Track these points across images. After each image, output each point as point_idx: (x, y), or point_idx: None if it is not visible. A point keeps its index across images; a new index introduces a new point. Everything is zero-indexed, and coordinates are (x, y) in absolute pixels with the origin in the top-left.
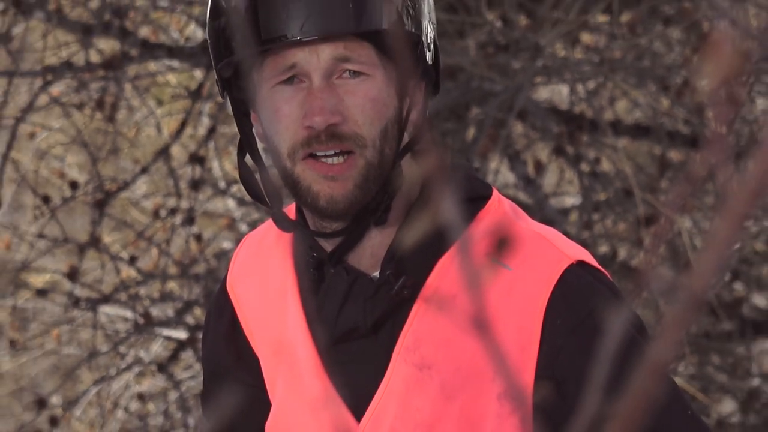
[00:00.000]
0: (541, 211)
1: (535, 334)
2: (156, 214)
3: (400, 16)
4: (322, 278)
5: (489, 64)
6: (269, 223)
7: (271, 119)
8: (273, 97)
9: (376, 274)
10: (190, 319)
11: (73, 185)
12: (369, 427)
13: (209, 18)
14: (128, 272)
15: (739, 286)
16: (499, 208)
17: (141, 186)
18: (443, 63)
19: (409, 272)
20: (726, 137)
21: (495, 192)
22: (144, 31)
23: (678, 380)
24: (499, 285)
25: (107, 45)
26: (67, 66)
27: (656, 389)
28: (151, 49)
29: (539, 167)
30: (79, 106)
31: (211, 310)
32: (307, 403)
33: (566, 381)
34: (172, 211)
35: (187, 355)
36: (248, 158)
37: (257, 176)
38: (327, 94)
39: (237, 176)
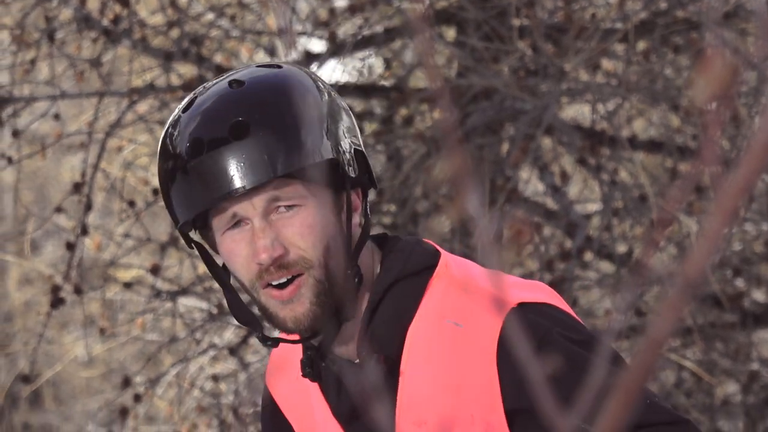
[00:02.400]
0: (567, 215)
1: (493, 376)
2: None
3: (315, 150)
4: (318, 372)
5: (520, 86)
6: None
7: (228, 260)
8: (225, 242)
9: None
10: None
11: (156, 192)
12: None
13: (160, 180)
14: (203, 268)
15: (740, 282)
16: (446, 272)
17: None
18: (479, 86)
19: (382, 351)
20: (717, 143)
21: (442, 257)
22: (218, 57)
23: (689, 364)
24: (457, 342)
25: (186, 69)
26: (151, 87)
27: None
28: (224, 73)
29: (565, 177)
30: (161, 123)
31: (262, 396)
32: None
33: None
34: None
35: (255, 341)
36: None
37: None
38: (267, 232)
39: None
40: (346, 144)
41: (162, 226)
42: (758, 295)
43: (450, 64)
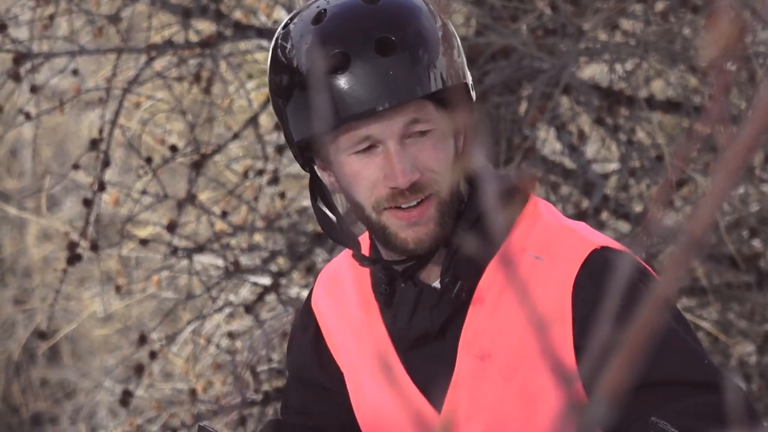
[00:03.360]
0: (584, 175)
1: (567, 311)
2: (245, 175)
3: (452, 73)
4: (393, 293)
5: (538, 45)
6: (342, 255)
7: (351, 182)
8: (351, 164)
9: (438, 283)
10: (273, 267)
11: (173, 148)
12: (451, 406)
13: (277, 93)
14: (220, 225)
15: (757, 243)
16: (535, 210)
17: (232, 150)
18: (497, 45)
19: (463, 278)
20: (724, 101)
21: (532, 197)
22: (237, 14)
23: (705, 324)
24: (535, 275)
25: (204, 26)
26: (169, 44)
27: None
28: (242, 30)
29: (582, 137)
30: (179, 80)
31: (297, 325)
32: (396, 402)
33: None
34: (260, 172)
35: (271, 299)
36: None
37: (333, 220)
38: (404, 156)
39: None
40: (466, 68)
41: (179, 183)
42: None
43: (468, 23)
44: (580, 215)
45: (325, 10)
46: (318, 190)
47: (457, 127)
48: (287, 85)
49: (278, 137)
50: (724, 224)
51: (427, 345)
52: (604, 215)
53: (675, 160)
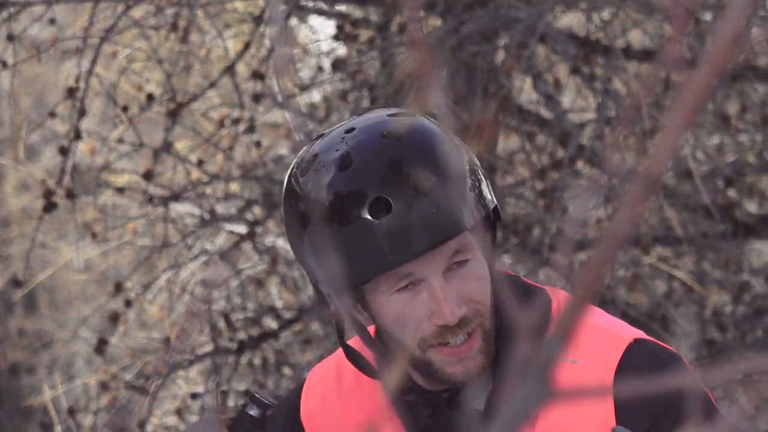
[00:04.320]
0: (560, 124)
1: (610, 412)
2: (222, 123)
3: (483, 198)
4: (435, 420)
5: None
6: (336, 360)
7: (396, 321)
8: (394, 304)
9: (480, 404)
10: (249, 216)
11: (150, 97)
12: None
13: (314, 245)
14: (196, 174)
15: (732, 193)
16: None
17: (209, 98)
18: None
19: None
20: (682, 43)
21: (554, 300)
22: None
23: (680, 274)
24: (571, 379)
25: None
26: None
27: (614, 262)
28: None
29: (558, 86)
30: (156, 29)
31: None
32: None
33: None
34: (236, 121)
35: (247, 247)
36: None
37: (366, 352)
38: (449, 292)
39: (295, 91)
40: (490, 192)
41: (156, 132)
42: (750, 206)
43: None
44: (555, 165)
45: (347, 153)
46: (362, 335)
47: (490, 252)
48: (319, 234)
49: (254, 86)
50: (700, 174)
51: None
52: (580, 164)
53: (631, 103)
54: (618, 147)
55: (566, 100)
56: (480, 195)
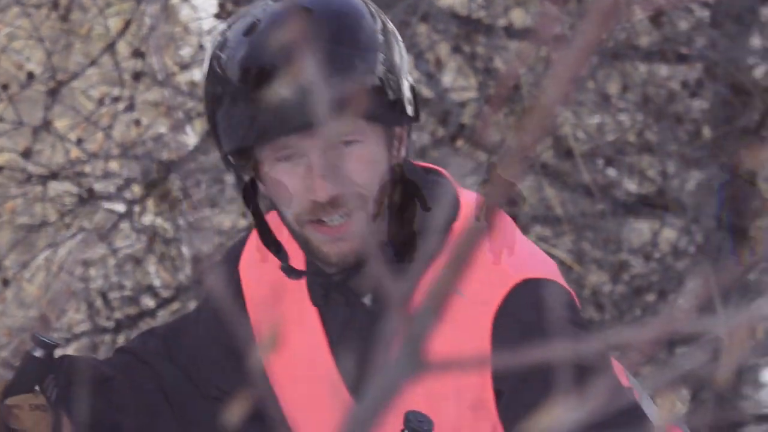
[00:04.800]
0: (441, 103)
1: (487, 350)
2: (101, 102)
3: (390, 84)
4: (329, 302)
5: None
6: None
7: (275, 190)
8: (275, 172)
9: (369, 299)
10: (128, 194)
11: (30, 75)
12: None
13: (210, 103)
14: (75, 152)
15: (612, 172)
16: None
17: (89, 77)
18: None
19: (395, 303)
20: (559, 20)
21: (462, 210)
22: None
23: (559, 253)
24: (455, 310)
25: None
26: None
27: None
28: None
29: (440, 65)
30: (38, 7)
31: (223, 275)
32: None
33: (516, 387)
34: (116, 99)
35: (125, 226)
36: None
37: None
38: (326, 169)
39: (175, 70)
40: (405, 80)
41: (36, 111)
42: (630, 185)
43: None
44: (436, 143)
45: (258, 20)
46: (252, 204)
47: (390, 140)
48: (219, 95)
49: (135, 64)
50: (580, 153)
51: (360, 358)
52: (460, 143)
53: (509, 81)
54: (495, 125)
55: (447, 79)
56: (389, 82)
